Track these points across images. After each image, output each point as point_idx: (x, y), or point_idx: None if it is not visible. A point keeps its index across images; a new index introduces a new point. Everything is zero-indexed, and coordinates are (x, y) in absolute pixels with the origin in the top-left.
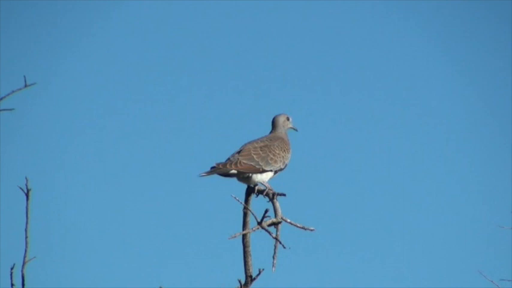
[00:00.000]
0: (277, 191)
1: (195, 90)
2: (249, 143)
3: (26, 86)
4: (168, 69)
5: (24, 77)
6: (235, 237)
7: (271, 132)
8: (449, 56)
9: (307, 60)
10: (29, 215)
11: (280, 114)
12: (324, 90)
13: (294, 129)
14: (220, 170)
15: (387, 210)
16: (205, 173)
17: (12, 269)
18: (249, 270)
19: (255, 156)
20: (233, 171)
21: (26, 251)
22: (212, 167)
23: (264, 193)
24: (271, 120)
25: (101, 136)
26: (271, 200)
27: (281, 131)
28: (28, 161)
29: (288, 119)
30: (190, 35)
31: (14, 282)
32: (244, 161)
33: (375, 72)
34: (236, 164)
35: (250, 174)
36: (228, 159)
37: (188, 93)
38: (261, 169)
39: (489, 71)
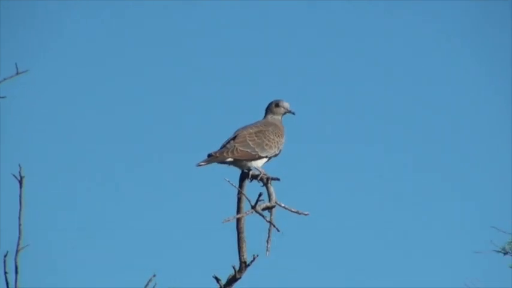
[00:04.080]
0: (271, 175)
1: (184, 78)
2: (243, 128)
3: (17, 73)
4: (159, 58)
5: (16, 64)
6: (229, 220)
7: (263, 118)
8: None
9: (305, 46)
10: (22, 203)
11: (271, 101)
12: (320, 75)
13: (291, 113)
14: (217, 159)
15: (382, 195)
16: (203, 162)
17: (5, 256)
18: (243, 256)
19: (250, 142)
20: (230, 159)
21: (19, 238)
22: (209, 155)
23: (258, 178)
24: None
25: (94, 124)
26: (265, 184)
27: (272, 116)
28: (21, 148)
29: (277, 105)
30: (182, 24)
31: (7, 269)
32: (240, 148)
33: (376, 62)
34: (233, 151)
35: (246, 161)
36: (224, 146)
37: (177, 80)
38: (257, 155)
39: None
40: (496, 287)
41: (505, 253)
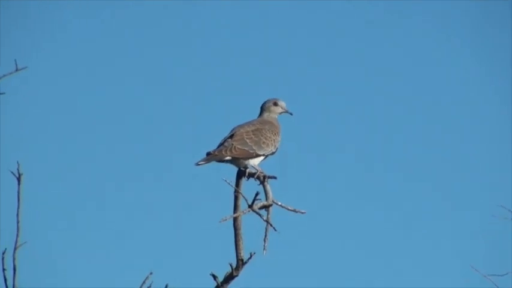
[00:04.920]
0: (268, 173)
1: (180, 77)
2: (239, 126)
3: (16, 70)
4: (156, 58)
5: (15, 61)
6: (226, 220)
7: (258, 117)
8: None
9: (303, 45)
10: (20, 200)
11: (267, 100)
12: (316, 75)
13: (288, 113)
14: (216, 157)
15: (379, 192)
16: (203, 161)
17: (3, 253)
18: (240, 253)
19: (248, 140)
20: (228, 157)
21: (17, 235)
22: (207, 153)
23: (255, 176)
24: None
25: (92, 122)
26: (262, 183)
27: (268, 115)
28: (20, 145)
29: (275, 103)
30: (180, 23)
31: (5, 266)
32: (238, 146)
33: (373, 62)
34: (231, 150)
35: (243, 159)
36: (222, 144)
37: (172, 79)
38: (254, 154)
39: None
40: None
41: None
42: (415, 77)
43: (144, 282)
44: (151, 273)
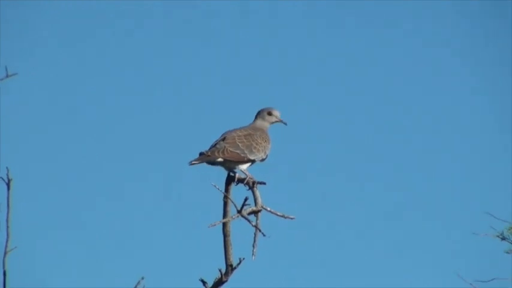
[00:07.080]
0: (257, 179)
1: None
2: (231, 131)
3: (7, 76)
4: (151, 58)
5: (6, 67)
6: (214, 225)
7: (251, 123)
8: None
9: (294, 50)
10: (10, 205)
11: (263, 108)
12: (308, 80)
13: (282, 122)
14: (209, 158)
15: (367, 197)
16: (196, 160)
17: None
18: (229, 259)
19: (240, 144)
20: (220, 159)
21: (7, 241)
22: (200, 153)
23: (244, 182)
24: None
25: (82, 125)
26: (251, 188)
27: (261, 123)
28: (9, 150)
29: (269, 113)
30: (173, 24)
31: None
32: (230, 149)
33: (364, 67)
34: (223, 152)
35: (234, 163)
36: (214, 146)
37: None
38: (245, 158)
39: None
40: (489, 274)
41: (503, 238)
42: (410, 82)
43: (135, 286)
44: (143, 278)
